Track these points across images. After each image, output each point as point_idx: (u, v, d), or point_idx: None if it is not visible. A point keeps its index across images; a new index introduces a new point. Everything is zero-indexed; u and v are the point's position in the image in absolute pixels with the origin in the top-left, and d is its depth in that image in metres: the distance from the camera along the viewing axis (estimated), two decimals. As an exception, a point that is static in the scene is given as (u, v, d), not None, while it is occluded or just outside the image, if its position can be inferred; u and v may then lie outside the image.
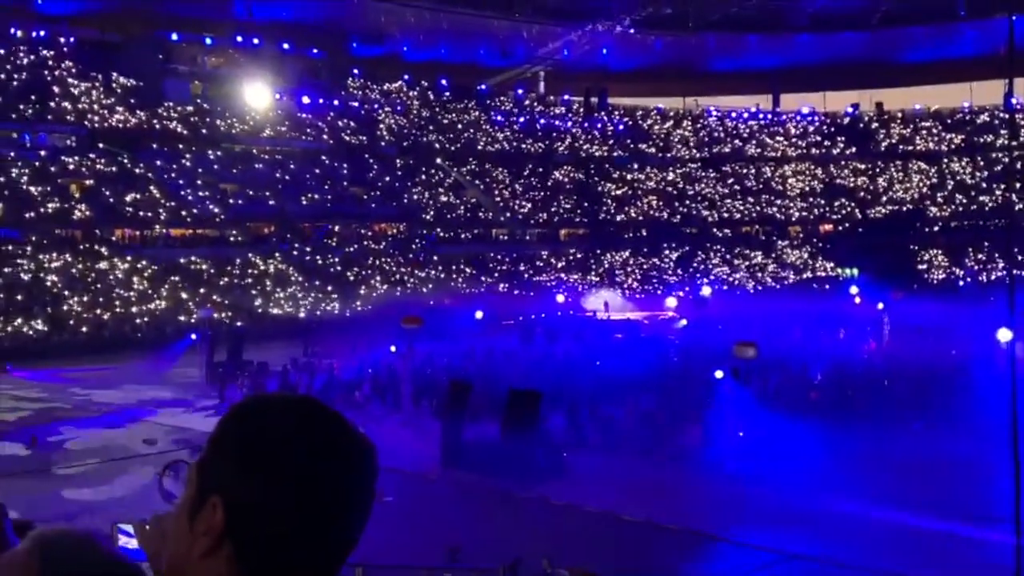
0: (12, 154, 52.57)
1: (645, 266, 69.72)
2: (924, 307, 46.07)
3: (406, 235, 63.36)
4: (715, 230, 74.88)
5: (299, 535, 1.24)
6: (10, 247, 47.52)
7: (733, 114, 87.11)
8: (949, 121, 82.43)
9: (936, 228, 73.55)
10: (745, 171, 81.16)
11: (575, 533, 18.01)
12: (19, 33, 57.85)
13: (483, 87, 79.10)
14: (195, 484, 1.28)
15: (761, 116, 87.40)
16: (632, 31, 76.45)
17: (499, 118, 77.86)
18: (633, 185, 77.39)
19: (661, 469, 22.34)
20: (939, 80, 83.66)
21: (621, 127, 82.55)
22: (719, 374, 28.90)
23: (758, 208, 77.73)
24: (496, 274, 63.93)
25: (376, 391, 31.76)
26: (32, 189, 51.24)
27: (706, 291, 61.19)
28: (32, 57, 57.69)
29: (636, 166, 78.78)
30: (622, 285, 65.57)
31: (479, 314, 47.44)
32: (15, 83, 55.45)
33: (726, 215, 76.56)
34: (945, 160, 79.35)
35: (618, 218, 73.69)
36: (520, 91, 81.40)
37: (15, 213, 49.26)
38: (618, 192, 76.18)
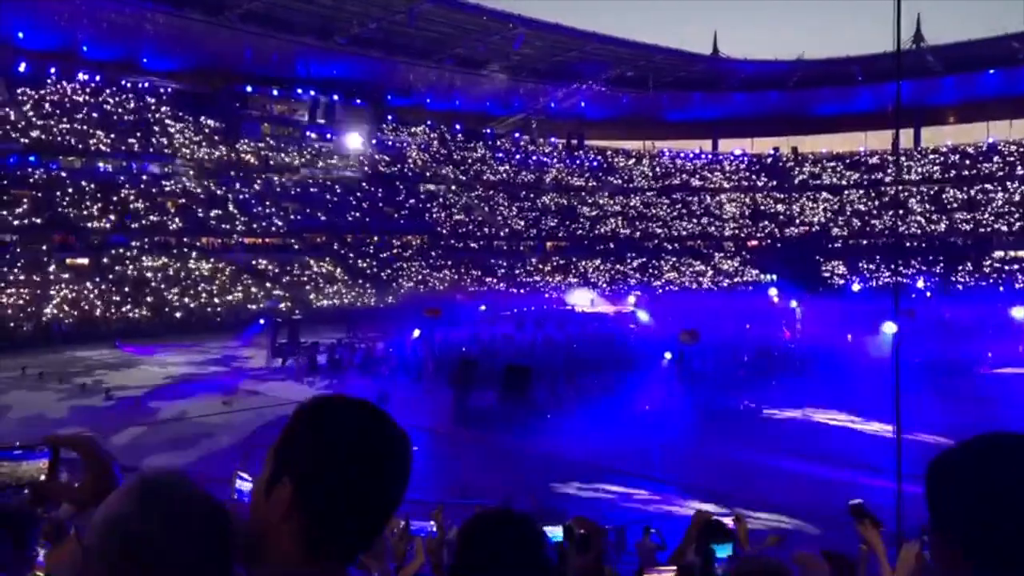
0: (122, 178, 52.50)
1: (612, 271, 69.74)
2: (827, 305, 46.21)
3: (428, 245, 63.30)
4: (666, 244, 74.94)
5: (352, 509, 1.24)
6: (121, 250, 47.45)
7: (682, 154, 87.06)
8: (848, 161, 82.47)
9: (837, 245, 73.66)
10: (690, 198, 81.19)
11: (554, 475, 18.15)
12: (128, 84, 57.70)
13: (488, 131, 79.11)
14: (271, 465, 1.28)
15: (703, 156, 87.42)
16: (604, 89, 76.41)
17: (500, 155, 77.86)
18: (603, 208, 77.41)
19: (621, 427, 22.45)
20: (841, 129, 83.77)
21: (595, 163, 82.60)
22: (667, 355, 28.98)
23: (700, 227, 77.78)
24: (497, 276, 63.93)
25: (403, 365, 31.87)
26: (138, 205, 51.14)
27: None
28: (139, 103, 57.57)
29: (606, 194, 78.81)
30: (595, 285, 65.60)
31: (483, 307, 47.49)
32: (125, 123, 55.35)
33: (675, 233, 76.59)
34: (845, 192, 79.45)
35: (591, 233, 73.68)
36: (517, 134, 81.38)
37: (125, 224, 49.22)
38: (592, 213, 76.19)
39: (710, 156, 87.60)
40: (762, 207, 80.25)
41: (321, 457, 1.23)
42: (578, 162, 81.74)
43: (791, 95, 79.67)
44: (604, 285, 66.21)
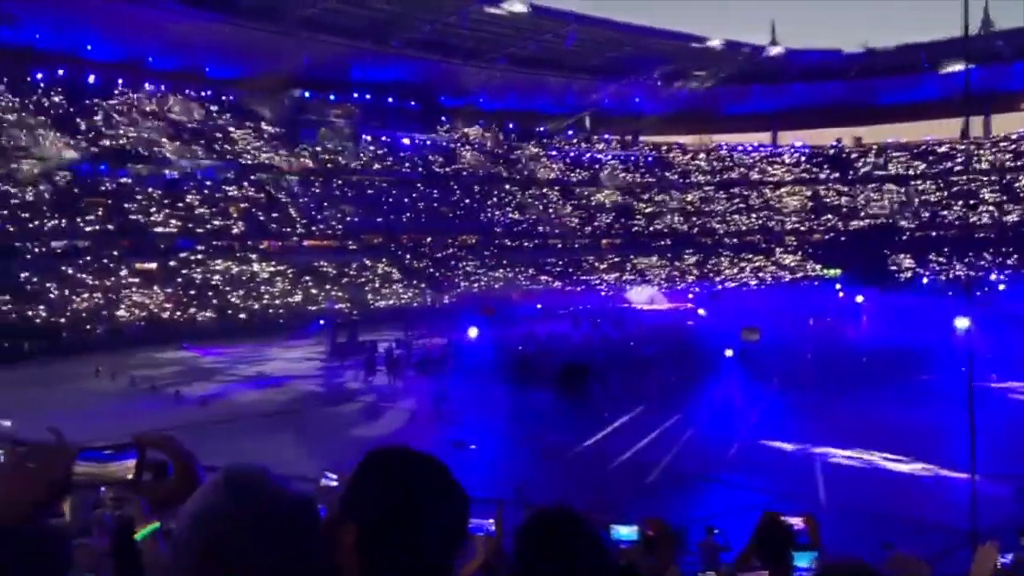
0: (188, 184, 54.02)
1: (669, 268, 68.88)
2: (896, 300, 44.79)
3: (482, 244, 63.50)
4: (725, 239, 73.70)
5: (411, 558, 1.30)
6: (187, 255, 48.79)
7: (740, 147, 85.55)
8: (915, 151, 79.82)
9: (904, 237, 71.33)
10: (749, 192, 79.67)
11: (612, 476, 17.96)
12: (192, 92, 59.42)
13: (541, 129, 78.97)
14: (336, 509, 1.34)
15: (763, 149, 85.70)
16: (659, 84, 75.52)
17: (554, 153, 77.68)
18: (659, 204, 76.51)
19: (680, 427, 22.10)
20: (907, 118, 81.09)
21: (650, 159, 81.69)
22: (729, 352, 28.47)
23: (759, 222, 76.25)
24: (552, 274, 63.74)
25: (460, 364, 31.93)
26: (202, 210, 52.56)
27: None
28: (202, 111, 59.23)
29: (663, 190, 77.95)
30: (652, 282, 64.89)
31: (539, 305, 47.42)
32: (190, 130, 56.97)
33: (734, 228, 75.27)
34: (912, 183, 76.89)
35: (648, 230, 72.88)
36: (570, 132, 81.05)
37: (190, 229, 50.61)
38: (648, 210, 75.37)
39: (770, 148, 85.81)
40: (825, 200, 78.28)
41: (386, 506, 1.29)
42: (633, 158, 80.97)
43: (854, 84, 77.44)
44: (662, 282, 65.44)
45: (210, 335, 40.35)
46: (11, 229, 43.27)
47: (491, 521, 4.34)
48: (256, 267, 50.90)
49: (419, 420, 23.87)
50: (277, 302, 48.31)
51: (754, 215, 76.88)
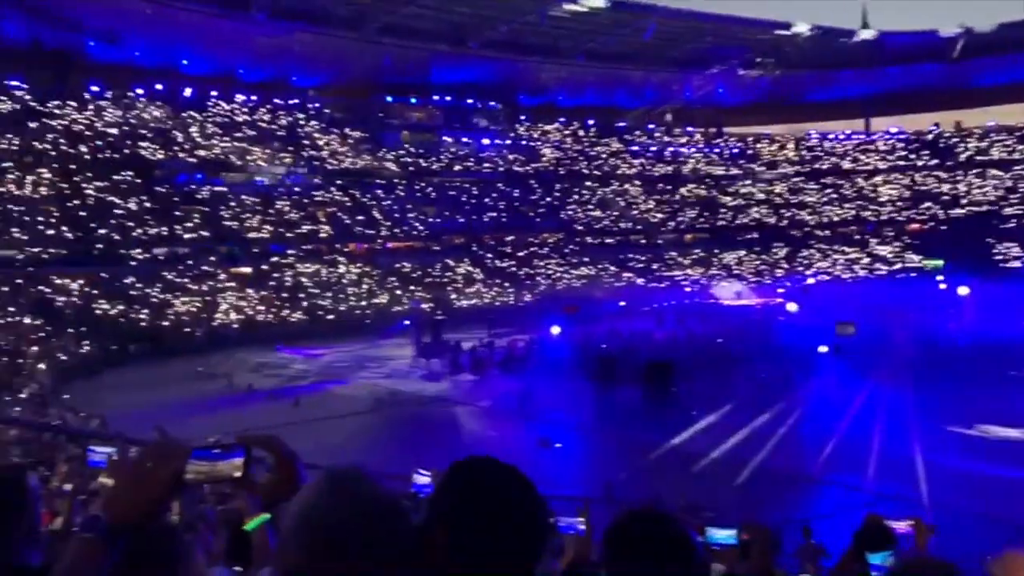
0: (279, 190, 55.94)
1: (757, 262, 67.07)
2: (1003, 291, 42.29)
3: (564, 242, 63.33)
4: (816, 231, 71.24)
5: (497, 562, 1.39)
6: (279, 259, 50.48)
7: (830, 135, 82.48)
8: (1020, 135, 75.20)
9: (1010, 225, 67.27)
10: (841, 182, 76.74)
11: (701, 475, 17.60)
12: (278, 101, 61.49)
13: (621, 124, 78.16)
14: (427, 511, 1.43)
15: (854, 136, 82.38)
16: (742, 73, 73.58)
17: (635, 148, 76.76)
18: (746, 197, 74.58)
19: (772, 425, 21.48)
20: (1010, 100, 76.41)
21: (735, 151, 79.73)
22: (822, 348, 27.53)
23: (853, 212, 73.35)
24: (635, 271, 63.01)
25: (543, 362, 31.91)
26: (292, 215, 54.31)
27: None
28: (290, 118, 61.23)
29: (749, 181, 75.92)
30: (740, 277, 63.32)
31: (622, 303, 46.95)
32: (279, 138, 58.99)
33: (825, 219, 72.67)
34: (1017, 168, 72.46)
35: (734, 223, 71.16)
36: (651, 126, 79.89)
37: (281, 233, 52.39)
38: (734, 203, 73.58)
39: (862, 136, 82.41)
40: (923, 187, 74.66)
41: (473, 514, 1.39)
42: (717, 150, 79.20)
43: (952, 67, 73.50)
44: (749, 277, 63.79)
45: (301, 336, 41.48)
46: (117, 237, 45.75)
47: (580, 520, 4.29)
48: (343, 269, 52.23)
49: (504, 418, 23.99)
50: (364, 303, 49.40)
51: (847, 205, 74.00)
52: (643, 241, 67.31)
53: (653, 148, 77.39)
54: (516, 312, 47.13)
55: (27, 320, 36.16)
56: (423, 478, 5.76)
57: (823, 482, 17.13)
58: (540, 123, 74.18)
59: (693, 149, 78.99)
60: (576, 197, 68.97)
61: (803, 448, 19.18)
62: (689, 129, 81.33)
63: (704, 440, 20.48)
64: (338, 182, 59.05)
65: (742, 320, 41.93)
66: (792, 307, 44.00)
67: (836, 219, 72.62)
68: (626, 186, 72.46)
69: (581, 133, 75.92)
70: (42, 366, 30.87)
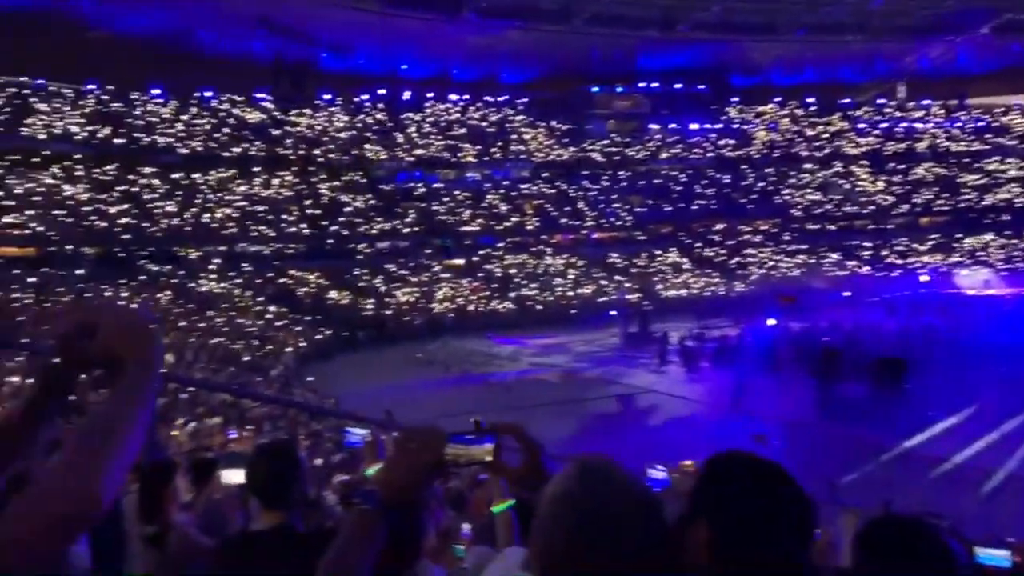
0: (488, 184, 58.31)
1: (1008, 247, 59.63)
2: None
3: (780, 228, 60.19)
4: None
5: (761, 554, 1.38)
6: (489, 251, 52.65)
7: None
8: None
9: None
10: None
11: (940, 481, 16.02)
12: (490, 99, 63.88)
13: (846, 101, 72.62)
14: (687, 506, 1.44)
15: None
16: (987, 39, 65.57)
17: (861, 125, 70.98)
18: (993, 175, 66.50)
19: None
20: None
21: (981, 124, 71.28)
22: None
23: None
24: (860, 258, 58.45)
25: (758, 356, 30.65)
26: (500, 208, 56.35)
27: None
28: (499, 115, 63.44)
29: (998, 157, 67.58)
30: (986, 264, 56.70)
31: (846, 293, 43.88)
32: (488, 134, 61.38)
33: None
34: None
35: (979, 204, 63.72)
36: (880, 100, 73.51)
37: (490, 226, 54.58)
38: (979, 181, 65.87)
39: None
40: None
41: (738, 510, 1.38)
42: (959, 124, 71.25)
43: None
44: (999, 263, 56.96)
45: (511, 325, 42.90)
46: (346, 233, 50.02)
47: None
48: (549, 260, 53.34)
49: (715, 412, 23.31)
50: (570, 294, 50.15)
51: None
52: (870, 226, 62.26)
53: (883, 125, 71.14)
54: (727, 303, 45.56)
55: (273, 308, 40.57)
56: (659, 472, 5.80)
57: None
58: (753, 104, 70.89)
59: (930, 124, 71.60)
60: (793, 181, 65.23)
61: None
62: (925, 102, 73.92)
63: (943, 444, 18.64)
64: (544, 174, 60.34)
65: (989, 312, 37.55)
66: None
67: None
68: (851, 167, 67.36)
69: (799, 112, 71.54)
70: (287, 350, 34.48)
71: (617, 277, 52.47)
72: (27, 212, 40.24)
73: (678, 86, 66.73)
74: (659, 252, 56.29)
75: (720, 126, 67.72)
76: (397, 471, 1.42)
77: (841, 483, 14.53)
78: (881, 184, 65.68)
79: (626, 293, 48.71)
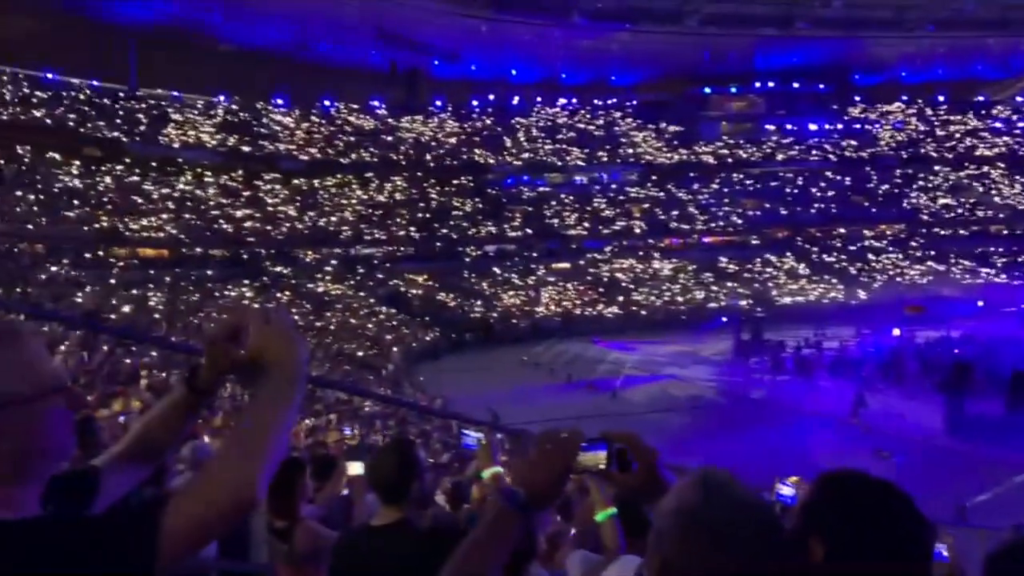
0: (596, 188, 58.06)
1: None
2: None
3: (906, 234, 57.03)
4: None
5: (869, 567, 1.35)
6: (595, 255, 52.38)
7: None
8: None
9: None
10: None
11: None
12: (597, 101, 63.64)
13: (982, 98, 68.11)
14: (799, 519, 1.41)
15: None
16: None
17: (998, 124, 66.38)
18: None
19: None
20: None
21: None
22: None
23: None
24: (996, 265, 54.59)
25: (881, 368, 29.15)
26: (607, 212, 55.98)
27: None
28: (607, 117, 63.11)
29: None
30: None
31: (980, 302, 41.16)
32: (596, 138, 61.15)
33: None
34: None
35: None
36: (1019, 99, 68.52)
37: (596, 230, 54.30)
38: None
39: None
40: None
41: (853, 530, 1.34)
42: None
43: None
44: None
45: (616, 330, 42.58)
46: (454, 237, 50.96)
47: (943, 544, 3.85)
48: (657, 265, 52.56)
49: (833, 425, 22.33)
50: (679, 299, 49.24)
51: None
52: (1005, 231, 58.12)
53: (1021, 124, 66.29)
54: (847, 311, 43.56)
55: (384, 309, 41.81)
56: (787, 488, 5.74)
57: None
58: (878, 103, 67.53)
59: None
60: (921, 183, 61.71)
61: None
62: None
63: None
64: (653, 177, 59.54)
65: None
66: None
67: None
68: (986, 168, 63.09)
69: (928, 112, 67.61)
70: (396, 350, 35.46)
71: (728, 283, 51.11)
72: (163, 216, 43.07)
73: (796, 85, 64.45)
74: (774, 257, 54.47)
75: (841, 126, 64.90)
76: (540, 472, 1.43)
77: (970, 505, 13.63)
78: (1018, 187, 61.15)
79: (738, 299, 47.45)
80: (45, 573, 0.98)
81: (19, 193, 37.64)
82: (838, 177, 61.20)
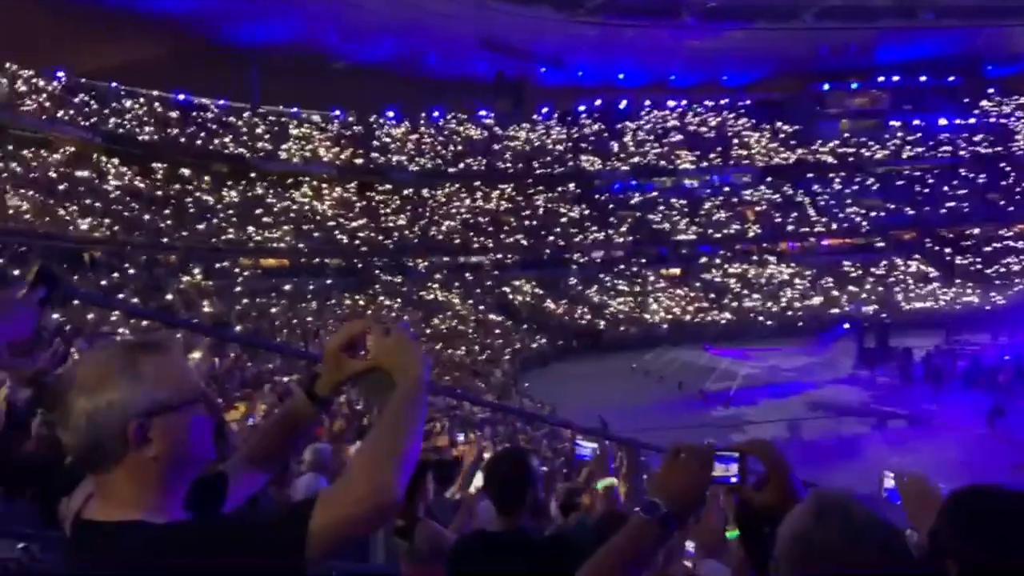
0: (707, 191, 56.87)
1: None
2: None
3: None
4: None
5: None
6: (706, 259, 51.27)
7: None
8: None
9: None
10: None
11: None
12: (709, 103, 62.33)
13: None
14: (930, 542, 1.37)
15: None
16: None
17: None
18: None
19: None
20: None
21: None
22: None
23: None
24: None
25: (1019, 376, 27.15)
26: (719, 215, 54.67)
27: None
28: (718, 119, 61.70)
29: None
30: None
31: None
32: (707, 139, 59.89)
33: None
34: None
35: None
36: None
37: (707, 234, 53.12)
38: None
39: None
40: None
41: (987, 547, 1.29)
42: None
43: None
44: None
45: (729, 337, 41.55)
46: (561, 243, 51.02)
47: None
48: (773, 269, 50.88)
49: (970, 439, 20.95)
50: (796, 304, 47.51)
51: None
52: None
53: None
54: (984, 317, 40.79)
55: (492, 317, 42.32)
56: (890, 481, 5.43)
57: None
58: (1014, 95, 63.00)
59: None
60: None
61: None
62: None
63: None
64: (768, 179, 57.74)
65: None
66: None
67: None
68: None
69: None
70: (505, 357, 35.81)
71: (851, 287, 48.87)
72: (283, 227, 45.20)
73: (923, 79, 61.02)
74: (900, 260, 51.69)
75: (973, 120, 60.94)
76: (678, 483, 1.43)
77: None
78: None
79: (861, 305, 45.31)
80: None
81: (154, 207, 40.32)
82: (971, 175, 57.45)
